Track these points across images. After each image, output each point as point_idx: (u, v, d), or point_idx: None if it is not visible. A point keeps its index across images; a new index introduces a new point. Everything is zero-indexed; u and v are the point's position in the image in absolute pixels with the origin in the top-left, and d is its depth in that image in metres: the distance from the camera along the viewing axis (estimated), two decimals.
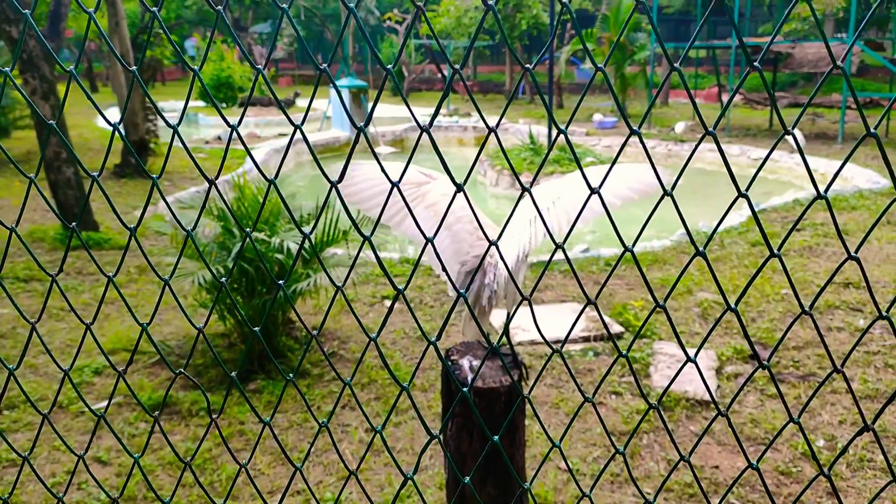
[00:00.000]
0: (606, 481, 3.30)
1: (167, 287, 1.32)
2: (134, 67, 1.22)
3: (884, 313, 1.08)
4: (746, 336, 1.15)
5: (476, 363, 2.47)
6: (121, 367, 4.51)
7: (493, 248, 1.51)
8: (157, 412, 3.72)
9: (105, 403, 4.08)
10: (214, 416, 1.37)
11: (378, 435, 1.58)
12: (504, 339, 2.34)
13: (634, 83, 17.92)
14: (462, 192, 1.25)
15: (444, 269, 1.48)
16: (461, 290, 2.24)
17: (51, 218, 7.96)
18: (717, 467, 3.39)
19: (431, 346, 1.29)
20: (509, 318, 2.26)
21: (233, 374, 1.32)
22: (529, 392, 1.45)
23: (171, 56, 14.20)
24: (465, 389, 2.00)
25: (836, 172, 1.09)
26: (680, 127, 15.81)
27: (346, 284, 3.96)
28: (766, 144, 13.44)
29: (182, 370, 1.36)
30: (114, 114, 17.42)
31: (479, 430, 2.38)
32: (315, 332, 1.41)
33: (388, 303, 5.56)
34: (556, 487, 3.26)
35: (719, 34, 22.68)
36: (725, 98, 17.42)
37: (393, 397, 4.07)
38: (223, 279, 1.49)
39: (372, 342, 1.29)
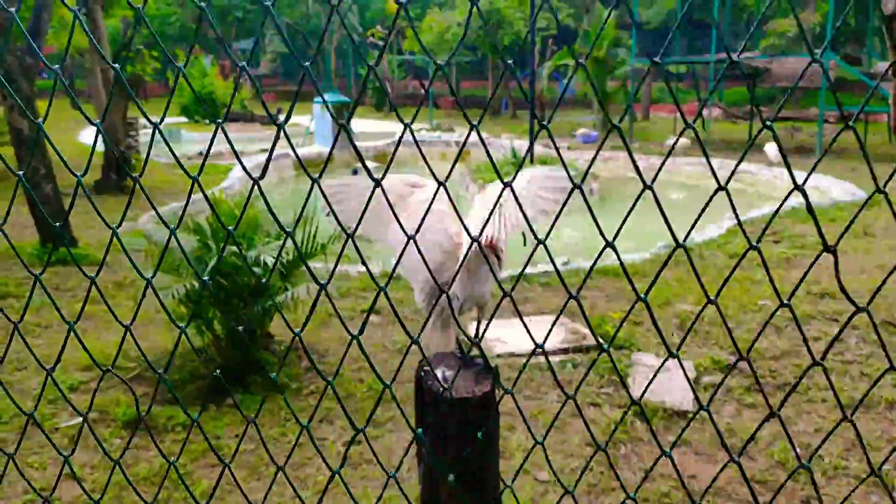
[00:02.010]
0: (583, 492, 3.30)
1: (150, 289, 1.32)
2: (117, 65, 1.22)
3: (860, 307, 1.09)
4: (729, 333, 1.16)
5: (449, 373, 2.47)
6: (94, 385, 4.48)
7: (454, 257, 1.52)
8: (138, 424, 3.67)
9: (78, 420, 4.04)
10: (192, 426, 1.37)
11: (355, 446, 1.58)
12: (475, 349, 2.34)
13: (615, 98, 18.09)
14: (444, 189, 1.27)
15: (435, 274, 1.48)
16: (428, 297, 2.24)
17: (28, 234, 7.89)
18: (693, 476, 3.40)
19: (410, 359, 1.29)
20: (479, 326, 2.26)
21: (217, 373, 1.31)
22: (499, 400, 1.45)
23: (153, 72, 14.17)
24: (437, 400, 1.99)
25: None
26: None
27: (323, 296, 3.95)
28: (746, 158, 13.56)
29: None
30: (94, 130, 17.34)
31: (453, 440, 2.38)
32: (298, 331, 1.40)
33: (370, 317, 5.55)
34: (532, 498, 3.25)
35: (699, 49, 22.95)
36: (706, 113, 17.61)
37: (370, 411, 4.05)
38: (205, 279, 1.48)
39: (354, 339, 1.29)
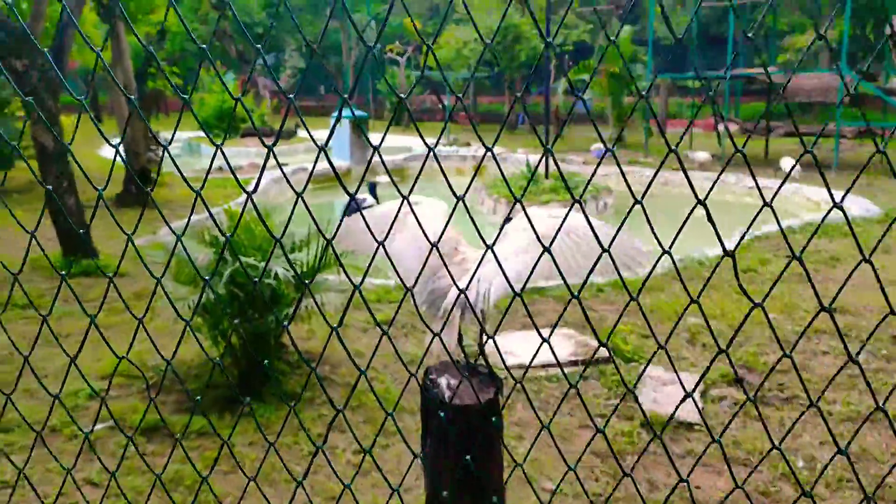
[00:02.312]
0: (588, 502, 3.35)
1: (164, 293, 1.41)
2: (133, 97, 1.32)
3: (826, 306, 1.16)
4: (714, 337, 1.23)
5: (454, 382, 2.55)
6: (115, 392, 4.59)
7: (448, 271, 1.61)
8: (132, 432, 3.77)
9: (98, 426, 4.15)
10: (224, 440, 1.45)
11: (367, 455, 1.65)
12: (481, 358, 2.43)
13: (631, 113, 18.15)
14: (463, 204, 1.37)
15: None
16: (423, 305, 2.33)
17: (51, 246, 8.07)
18: (698, 487, 3.44)
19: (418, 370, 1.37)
20: (481, 336, 2.34)
21: (245, 399, 1.39)
22: (504, 406, 1.53)
23: (173, 88, 14.42)
24: (441, 407, 2.07)
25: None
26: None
27: (339, 310, 4.00)
28: (762, 173, 13.55)
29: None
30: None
31: (456, 446, 2.45)
32: (313, 365, 1.49)
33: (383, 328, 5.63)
34: None
35: (716, 65, 22.97)
36: (721, 127, 17.60)
37: (381, 420, 4.14)
38: (209, 279, 1.57)
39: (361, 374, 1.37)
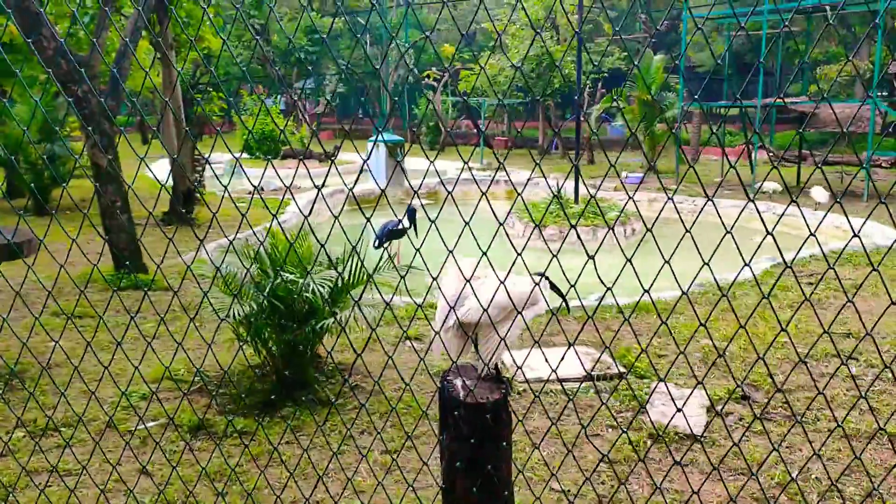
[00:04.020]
0: (594, 501, 3.64)
1: (210, 305, 1.77)
2: (185, 127, 1.69)
3: (826, 329, 1.48)
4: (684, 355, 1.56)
5: (468, 383, 2.89)
6: (163, 395, 5.00)
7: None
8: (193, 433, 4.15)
9: (150, 424, 4.56)
10: (247, 440, 1.80)
11: (391, 455, 2.00)
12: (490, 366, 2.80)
13: (662, 140, 18.37)
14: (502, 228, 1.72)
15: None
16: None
17: (103, 261, 8.59)
18: (698, 493, 3.70)
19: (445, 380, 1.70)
20: (486, 347, 2.71)
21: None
22: (507, 394, 1.85)
23: (219, 112, 15.06)
24: (455, 405, 2.42)
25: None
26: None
27: (371, 323, 4.39)
28: (777, 198, 13.72)
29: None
30: (163, 165, 18.37)
31: (467, 441, 2.79)
32: (345, 377, 1.83)
33: (412, 343, 5.98)
34: None
35: (749, 93, 23.08)
36: (754, 155, 17.74)
37: (408, 425, 4.47)
38: (260, 296, 1.93)
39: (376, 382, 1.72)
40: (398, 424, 4.52)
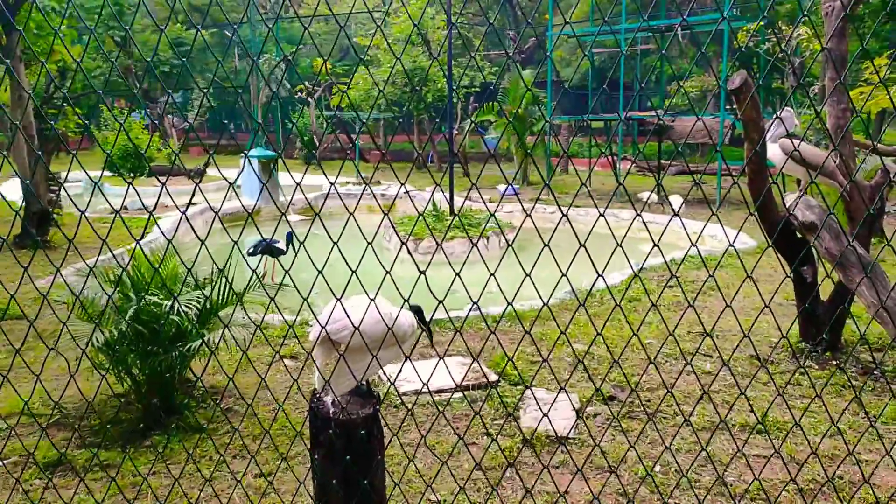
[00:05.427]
0: None
1: (68, 333, 1.69)
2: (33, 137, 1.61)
3: (671, 332, 1.56)
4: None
5: (339, 399, 2.88)
6: (21, 430, 4.67)
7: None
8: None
9: (5, 462, 4.25)
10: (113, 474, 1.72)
11: (264, 478, 1.96)
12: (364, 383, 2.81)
13: (534, 152, 18.99)
14: (371, 248, 1.71)
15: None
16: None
17: None
18: (567, 492, 3.84)
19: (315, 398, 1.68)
20: (358, 367, 2.72)
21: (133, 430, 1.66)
22: (377, 409, 1.85)
23: (75, 128, 14.26)
24: (327, 422, 2.40)
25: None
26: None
27: (243, 343, 4.27)
28: (655, 209, 14.49)
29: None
30: (14, 185, 17.21)
31: (341, 458, 2.78)
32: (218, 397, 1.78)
33: (286, 362, 5.88)
34: None
35: (613, 107, 24.23)
36: (619, 165, 18.66)
37: (284, 446, 4.39)
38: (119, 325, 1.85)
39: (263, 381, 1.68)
40: (272, 447, 4.42)
